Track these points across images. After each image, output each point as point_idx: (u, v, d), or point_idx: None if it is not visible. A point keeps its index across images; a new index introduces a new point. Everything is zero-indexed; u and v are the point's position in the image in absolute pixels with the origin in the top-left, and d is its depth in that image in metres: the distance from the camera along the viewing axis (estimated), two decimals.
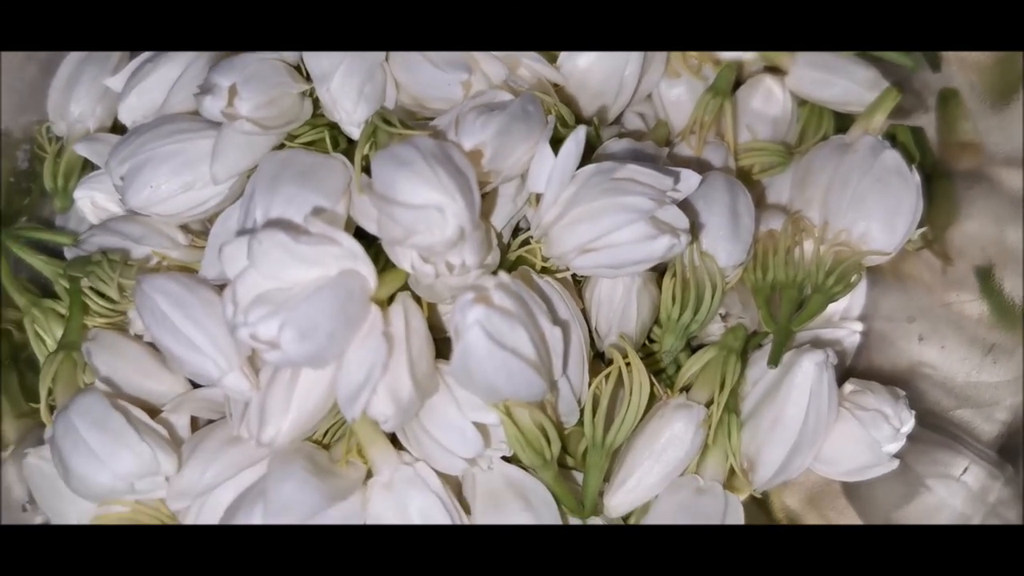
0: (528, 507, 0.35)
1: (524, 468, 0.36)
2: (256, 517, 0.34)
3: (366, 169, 0.35)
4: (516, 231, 0.39)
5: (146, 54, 0.42)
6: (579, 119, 0.41)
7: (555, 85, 0.40)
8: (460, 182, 0.31)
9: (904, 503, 0.38)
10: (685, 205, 0.35)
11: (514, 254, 0.37)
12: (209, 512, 0.36)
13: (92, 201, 0.42)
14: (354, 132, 0.38)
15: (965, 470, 0.36)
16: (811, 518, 0.41)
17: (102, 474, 0.35)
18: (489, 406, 0.34)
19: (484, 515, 0.35)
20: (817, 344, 0.39)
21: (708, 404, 0.37)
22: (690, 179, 0.35)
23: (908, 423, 0.37)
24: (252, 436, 0.34)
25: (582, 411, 0.36)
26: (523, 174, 0.36)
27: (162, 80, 0.40)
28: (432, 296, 0.35)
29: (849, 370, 0.43)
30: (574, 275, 0.38)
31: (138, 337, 0.40)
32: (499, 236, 0.37)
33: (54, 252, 0.43)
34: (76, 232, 0.44)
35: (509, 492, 0.35)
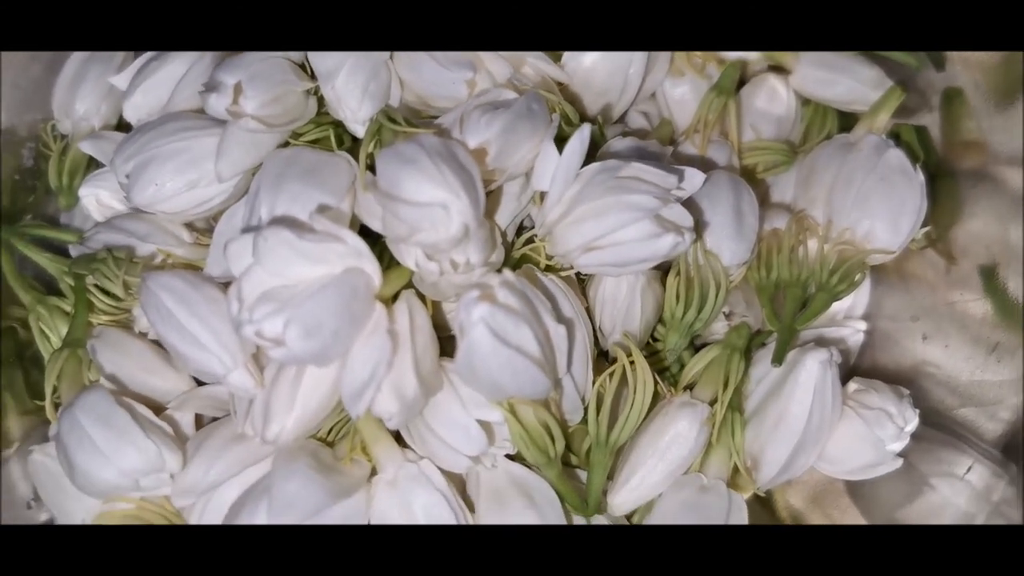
0: (532, 505, 0.35)
1: (528, 466, 0.36)
2: (260, 514, 0.34)
3: (371, 167, 0.35)
4: (520, 229, 0.39)
5: (151, 52, 0.42)
6: (583, 117, 0.41)
7: (559, 84, 0.40)
8: (465, 180, 0.31)
9: (908, 502, 0.38)
10: (689, 204, 0.35)
11: (518, 252, 0.37)
12: (213, 509, 0.36)
13: (97, 199, 0.42)
14: (359, 130, 0.38)
15: (969, 469, 0.36)
16: (815, 517, 0.41)
17: (107, 471, 0.35)
18: (493, 404, 0.34)
19: (488, 513, 0.35)
20: (821, 343, 0.39)
21: (712, 402, 0.37)
22: (694, 178, 0.35)
23: (912, 422, 0.37)
24: (256, 433, 0.34)
25: (586, 409, 0.36)
26: (527, 172, 0.36)
27: (167, 78, 0.40)
28: (436, 294, 0.35)
29: (853, 369, 0.43)
30: (578, 273, 0.38)
31: (143, 334, 0.40)
32: (503, 234, 0.37)
33: (59, 250, 0.43)
34: (81, 230, 0.44)
35: (513, 490, 0.35)
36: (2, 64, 0.42)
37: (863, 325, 0.43)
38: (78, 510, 0.37)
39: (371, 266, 0.32)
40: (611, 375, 0.36)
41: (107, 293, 0.39)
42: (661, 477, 0.36)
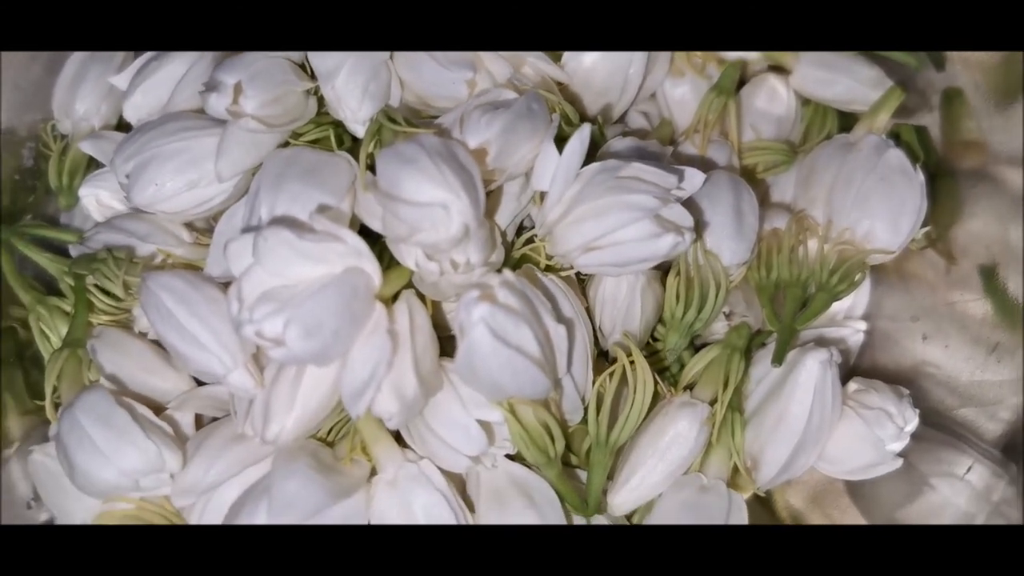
0: (532, 505, 0.35)
1: (528, 466, 0.36)
2: (260, 514, 0.34)
3: (371, 167, 0.35)
4: (520, 229, 0.39)
5: (151, 52, 0.42)
6: (583, 117, 0.41)
7: (559, 84, 0.40)
8: (465, 180, 0.31)
9: (908, 502, 0.38)
10: (689, 204, 0.35)
11: (518, 252, 0.37)
12: (213, 509, 0.36)
13: (97, 199, 0.42)
14: (359, 130, 0.38)
15: (969, 469, 0.36)
16: (815, 517, 0.41)
17: (107, 471, 0.35)
18: (493, 404, 0.34)
19: (488, 513, 0.35)
20: (821, 343, 0.39)
21: (712, 402, 0.37)
22: (694, 178, 0.35)
23: (912, 422, 0.37)
24: (256, 433, 0.34)
25: (586, 409, 0.36)
26: (527, 172, 0.36)
27: (167, 78, 0.40)
28: (436, 294, 0.35)
29: (853, 369, 0.43)
30: (578, 273, 0.38)
31: (143, 334, 0.40)
32: (503, 234, 0.37)
33: (59, 250, 0.43)
34: (81, 230, 0.44)
35: (513, 490, 0.35)
36: (2, 64, 0.42)
37: (863, 325, 0.43)
38: (78, 510, 0.37)
39: (371, 266, 0.32)
40: (611, 375, 0.36)
41: (107, 293, 0.39)
42: (661, 477, 0.36)
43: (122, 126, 0.44)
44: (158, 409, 0.37)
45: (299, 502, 0.33)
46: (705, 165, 0.40)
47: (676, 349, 0.39)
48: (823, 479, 0.40)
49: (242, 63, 0.37)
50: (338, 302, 0.31)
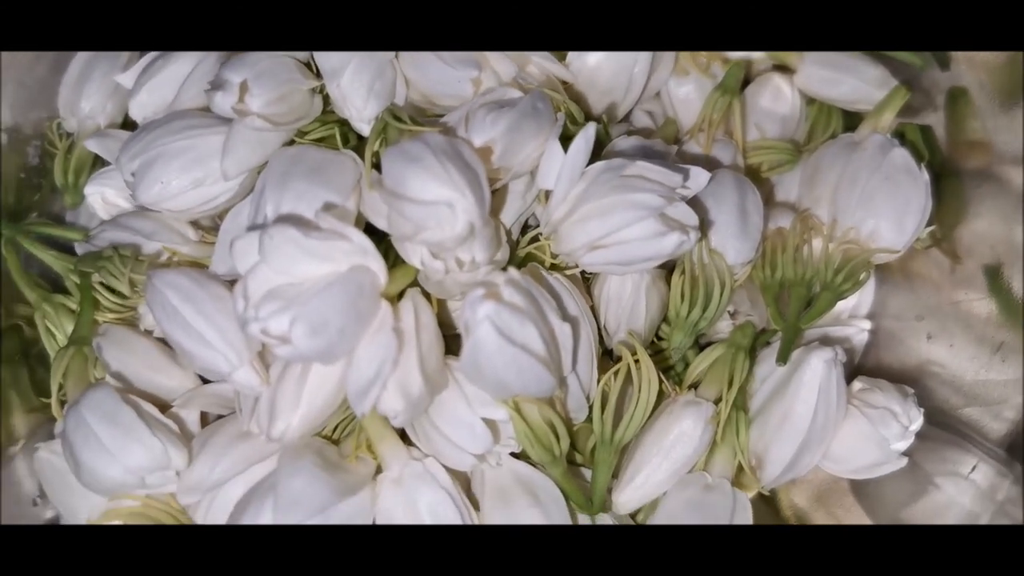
0: (536, 503, 0.35)
1: (533, 464, 0.36)
2: (266, 512, 0.34)
3: (376, 165, 0.35)
4: (525, 228, 0.39)
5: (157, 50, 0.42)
6: (588, 116, 0.41)
7: (564, 83, 0.40)
8: (470, 178, 0.31)
9: (912, 501, 0.38)
10: (694, 202, 0.35)
11: (523, 251, 0.37)
12: (219, 507, 0.36)
13: (103, 197, 0.42)
14: (364, 129, 0.38)
15: (974, 468, 0.36)
16: (819, 516, 0.41)
17: (113, 468, 0.35)
18: (498, 402, 0.34)
19: (493, 511, 0.35)
20: (826, 342, 0.39)
21: (716, 401, 0.37)
22: (699, 176, 0.35)
23: (917, 421, 0.37)
24: (262, 431, 0.34)
25: (591, 408, 0.36)
26: (533, 171, 0.36)
27: (173, 76, 0.40)
28: (442, 292, 0.35)
29: (858, 368, 0.43)
30: (583, 272, 0.38)
31: (148, 332, 0.40)
32: (508, 232, 0.37)
33: (65, 248, 0.43)
34: (87, 228, 0.44)
35: (518, 488, 0.35)
36: (8, 63, 0.43)
37: (868, 324, 0.43)
38: (84, 507, 0.37)
39: (377, 264, 0.32)
40: (616, 374, 0.36)
41: (113, 291, 0.39)
42: (666, 476, 0.36)
43: (127, 124, 0.44)
44: (164, 407, 0.37)
45: (305, 499, 0.33)
46: (710, 164, 0.40)
47: (681, 348, 0.39)
48: (828, 478, 0.40)
49: (248, 62, 0.37)
50: (344, 300, 0.31)
